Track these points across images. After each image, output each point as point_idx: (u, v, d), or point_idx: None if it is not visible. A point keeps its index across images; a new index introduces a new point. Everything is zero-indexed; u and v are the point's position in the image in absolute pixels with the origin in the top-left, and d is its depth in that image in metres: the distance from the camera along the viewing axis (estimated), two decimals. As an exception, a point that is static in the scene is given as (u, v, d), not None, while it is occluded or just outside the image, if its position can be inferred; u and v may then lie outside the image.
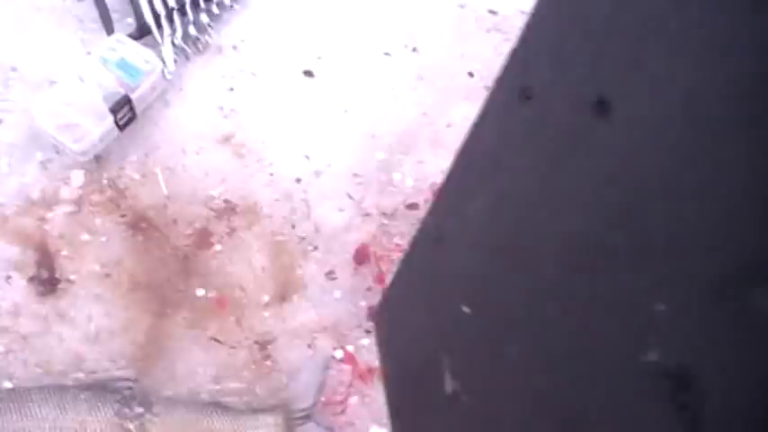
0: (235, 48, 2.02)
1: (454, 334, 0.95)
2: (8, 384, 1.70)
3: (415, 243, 1.13)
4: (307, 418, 1.69)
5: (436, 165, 1.96)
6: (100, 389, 1.64)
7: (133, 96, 1.85)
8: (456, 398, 0.91)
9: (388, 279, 1.81)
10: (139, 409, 1.61)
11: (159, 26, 1.94)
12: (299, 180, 1.90)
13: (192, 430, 1.63)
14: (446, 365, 0.94)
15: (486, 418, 0.85)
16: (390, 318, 1.32)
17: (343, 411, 1.75)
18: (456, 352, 0.93)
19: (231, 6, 2.04)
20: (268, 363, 1.76)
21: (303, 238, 1.85)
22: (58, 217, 1.83)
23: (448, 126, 1.99)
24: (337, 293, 1.82)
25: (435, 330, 1.07)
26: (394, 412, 1.34)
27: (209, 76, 1.99)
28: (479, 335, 0.86)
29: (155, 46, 1.93)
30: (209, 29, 2.00)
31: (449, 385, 0.93)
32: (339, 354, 1.78)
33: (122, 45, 1.88)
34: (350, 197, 1.91)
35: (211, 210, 1.86)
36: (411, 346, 1.20)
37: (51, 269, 1.79)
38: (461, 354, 0.92)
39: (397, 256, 1.86)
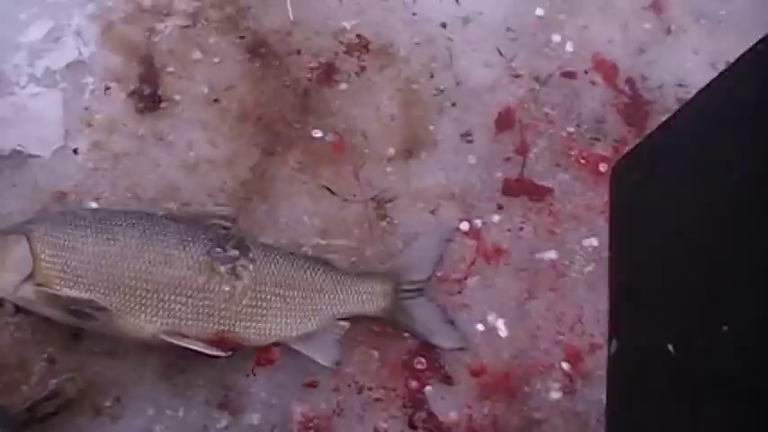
0: None
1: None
2: (93, 204, 1.52)
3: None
4: (418, 291, 1.48)
5: (602, 33, 1.69)
6: (192, 223, 1.44)
7: None
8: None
9: (533, 152, 1.57)
10: (234, 252, 1.41)
11: None
12: (444, 25, 1.66)
13: (288, 283, 1.43)
14: None
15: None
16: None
17: (459, 292, 1.53)
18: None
19: None
20: (383, 224, 1.54)
21: (441, 91, 1.62)
22: (168, 29, 1.63)
23: (624, -10, 1.71)
24: (471, 159, 1.59)
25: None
26: (623, 294, 1.13)
27: None
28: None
29: None
30: None
31: None
32: (464, 226, 1.56)
33: None
34: (500, 53, 1.65)
35: (341, 43, 1.63)
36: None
37: (155, 85, 1.59)
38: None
39: (546, 127, 1.61)
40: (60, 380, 1.43)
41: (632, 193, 1.13)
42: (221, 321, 1.39)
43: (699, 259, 0.96)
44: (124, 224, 1.40)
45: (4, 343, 1.44)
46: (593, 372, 1.50)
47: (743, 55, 0.94)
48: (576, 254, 1.55)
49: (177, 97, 1.58)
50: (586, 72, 1.65)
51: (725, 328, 0.86)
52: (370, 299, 1.46)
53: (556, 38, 1.68)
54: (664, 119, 1.59)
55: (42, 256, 1.37)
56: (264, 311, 1.41)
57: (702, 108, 1.04)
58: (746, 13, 1.70)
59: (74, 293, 1.36)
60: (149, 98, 1.58)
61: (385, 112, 1.59)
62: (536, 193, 1.57)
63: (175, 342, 1.38)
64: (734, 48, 0.99)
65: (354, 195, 1.55)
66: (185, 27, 1.62)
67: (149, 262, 1.38)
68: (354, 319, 1.47)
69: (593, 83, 1.65)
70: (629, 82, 1.66)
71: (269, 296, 1.42)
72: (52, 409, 1.41)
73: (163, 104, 1.58)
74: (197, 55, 1.61)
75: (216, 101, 1.58)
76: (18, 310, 1.43)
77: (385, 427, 1.46)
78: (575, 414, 1.50)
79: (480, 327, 1.52)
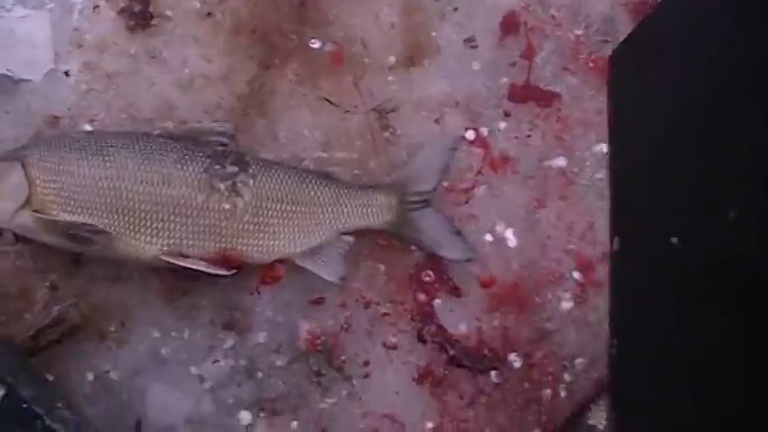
0: None
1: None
2: (88, 127, 1.48)
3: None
4: (424, 203, 1.44)
5: (611, -72, 1.61)
6: (190, 141, 1.40)
7: None
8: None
9: (539, 56, 1.51)
10: (233, 168, 1.38)
11: None
12: (444, -75, 1.58)
13: (290, 198, 1.39)
14: None
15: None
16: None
17: (466, 202, 1.49)
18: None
19: None
20: (386, 134, 1.49)
21: (442, -5, 1.55)
22: (157, -58, 1.56)
23: None
24: (476, 65, 1.53)
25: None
26: (625, 187, 1.09)
27: None
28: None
29: None
30: None
31: None
32: (470, 135, 1.51)
33: None
34: (503, -47, 1.58)
35: (337, -52, 1.57)
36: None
37: (145, 2, 1.53)
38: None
39: (552, 29, 1.55)
40: (63, 306, 1.41)
41: (632, 79, 1.08)
42: (223, 239, 1.36)
43: (701, 143, 0.91)
44: (120, 145, 1.37)
45: (6, 272, 1.42)
46: (604, 281, 1.47)
47: None
48: (585, 160, 1.51)
49: (169, 13, 1.52)
50: (593, -27, 1.58)
51: (731, 213, 0.83)
52: (374, 211, 1.42)
53: (560, -63, 1.60)
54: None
55: (38, 181, 1.34)
56: (266, 228, 1.38)
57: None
58: None
59: (71, 218, 1.33)
60: (140, 15, 1.52)
61: (385, 20, 1.53)
62: (543, 98, 1.52)
63: (177, 263, 1.35)
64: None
65: (356, 106, 1.50)
66: (174, -62, 1.56)
67: (147, 182, 1.35)
68: (359, 233, 1.43)
69: (601, -18, 1.58)
70: (639, -20, 1.59)
71: (270, 212, 1.38)
72: (56, 336, 1.40)
73: (154, 21, 1.52)
74: (187, -33, 1.55)
75: (209, 15, 1.52)
76: (18, 238, 1.41)
77: (394, 341, 1.44)
78: (586, 324, 1.47)
79: (489, 237, 1.48)
